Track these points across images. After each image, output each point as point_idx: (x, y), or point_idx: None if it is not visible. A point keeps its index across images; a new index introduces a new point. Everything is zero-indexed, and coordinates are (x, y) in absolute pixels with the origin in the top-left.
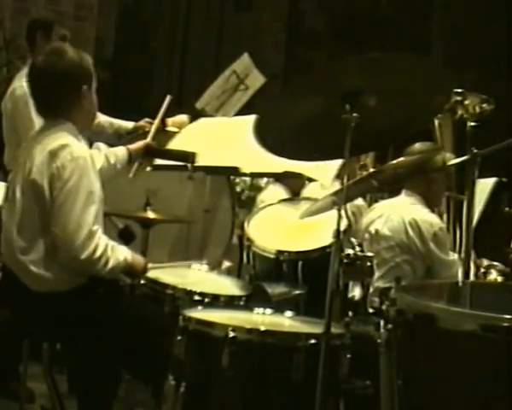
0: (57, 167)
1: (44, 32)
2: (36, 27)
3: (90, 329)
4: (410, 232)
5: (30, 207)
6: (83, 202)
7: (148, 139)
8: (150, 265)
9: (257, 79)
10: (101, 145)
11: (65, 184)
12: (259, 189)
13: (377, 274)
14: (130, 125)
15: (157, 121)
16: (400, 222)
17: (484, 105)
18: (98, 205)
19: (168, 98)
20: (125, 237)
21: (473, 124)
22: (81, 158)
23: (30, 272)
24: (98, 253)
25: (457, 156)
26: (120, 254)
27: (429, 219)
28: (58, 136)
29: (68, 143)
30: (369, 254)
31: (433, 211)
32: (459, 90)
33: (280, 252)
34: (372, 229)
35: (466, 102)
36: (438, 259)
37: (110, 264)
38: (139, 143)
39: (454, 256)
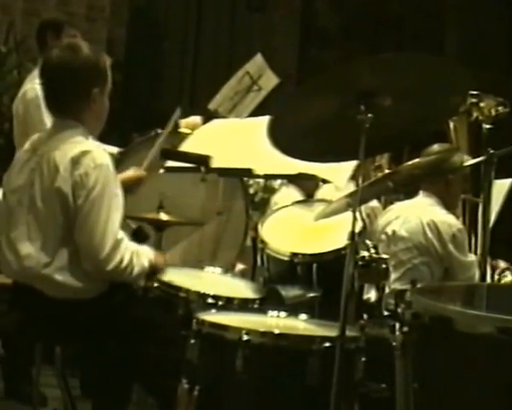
0: (80, 175)
1: (55, 32)
2: (46, 28)
3: (107, 335)
4: (429, 234)
5: (54, 216)
6: (107, 210)
7: (144, 166)
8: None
9: (270, 80)
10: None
11: (89, 192)
12: (273, 190)
13: (394, 276)
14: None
15: (164, 133)
16: (418, 223)
17: (500, 108)
18: (121, 211)
19: (177, 111)
20: (138, 238)
21: (488, 126)
22: (104, 165)
23: (52, 281)
24: (124, 263)
25: (472, 159)
26: (144, 258)
27: (448, 221)
28: (76, 141)
29: (90, 149)
30: (385, 256)
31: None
32: (475, 93)
33: (294, 254)
34: (389, 230)
35: (481, 105)
36: (456, 260)
37: (135, 271)
38: (129, 174)
39: (472, 257)
